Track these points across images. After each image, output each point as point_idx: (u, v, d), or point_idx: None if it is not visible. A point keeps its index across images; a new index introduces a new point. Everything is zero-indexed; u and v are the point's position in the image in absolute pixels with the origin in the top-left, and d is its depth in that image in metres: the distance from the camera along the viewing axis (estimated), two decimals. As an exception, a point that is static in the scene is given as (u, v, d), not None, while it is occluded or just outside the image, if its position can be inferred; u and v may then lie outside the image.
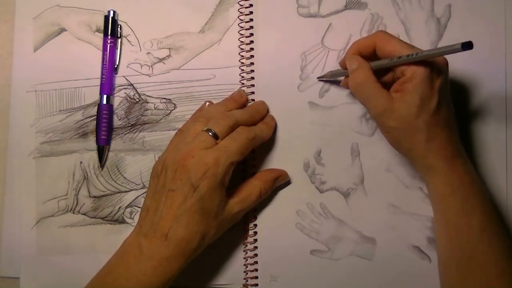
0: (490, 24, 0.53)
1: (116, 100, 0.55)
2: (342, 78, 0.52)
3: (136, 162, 0.55)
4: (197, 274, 0.53)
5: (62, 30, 0.56)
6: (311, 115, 0.54)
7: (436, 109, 0.45)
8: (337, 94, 0.54)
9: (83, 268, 0.54)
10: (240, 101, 0.53)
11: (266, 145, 0.53)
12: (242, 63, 0.54)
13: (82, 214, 0.55)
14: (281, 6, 0.54)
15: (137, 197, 0.55)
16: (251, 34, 0.54)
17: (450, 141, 0.46)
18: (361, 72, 0.47)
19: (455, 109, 0.48)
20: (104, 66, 0.54)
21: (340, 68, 0.52)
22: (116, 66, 0.55)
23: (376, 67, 0.47)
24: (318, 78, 0.53)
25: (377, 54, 0.48)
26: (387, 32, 0.48)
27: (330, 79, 0.53)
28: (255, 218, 0.54)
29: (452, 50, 0.41)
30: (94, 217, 0.55)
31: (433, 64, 0.45)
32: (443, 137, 0.46)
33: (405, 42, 0.46)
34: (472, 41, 0.39)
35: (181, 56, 0.55)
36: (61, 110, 0.56)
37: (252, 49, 0.54)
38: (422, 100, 0.44)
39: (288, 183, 0.54)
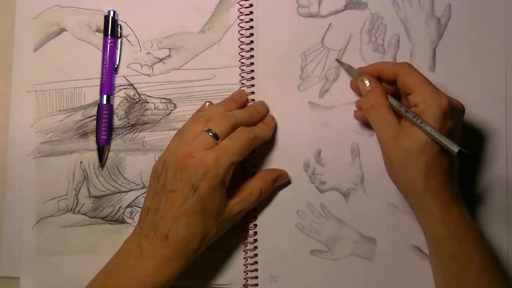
0: (490, 24, 0.53)
1: (116, 100, 0.55)
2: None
3: (136, 162, 0.55)
4: (197, 274, 0.53)
5: (62, 30, 0.56)
6: (311, 115, 0.54)
7: (441, 151, 0.44)
8: (337, 94, 0.54)
9: (83, 268, 0.54)
10: (240, 101, 0.53)
11: (266, 145, 0.53)
12: (242, 63, 0.54)
13: (82, 214, 0.55)
14: (281, 6, 0.54)
15: (137, 197, 0.55)
16: (251, 34, 0.54)
17: (449, 184, 0.46)
18: (375, 95, 0.48)
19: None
20: (104, 66, 0.54)
21: (356, 70, 0.52)
22: (116, 66, 0.55)
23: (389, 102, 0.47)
24: (336, 59, 0.53)
25: (397, 83, 0.48)
26: (412, 66, 0.47)
27: (345, 69, 0.53)
28: (255, 218, 0.54)
29: (450, 149, 0.43)
30: (94, 217, 0.55)
31: (449, 104, 0.45)
32: (442, 178, 0.45)
33: (427, 80, 0.46)
34: (467, 152, 0.43)
35: (181, 56, 0.55)
36: (61, 110, 0.56)
37: (252, 49, 0.54)
38: (429, 138, 0.44)
39: (288, 183, 0.54)
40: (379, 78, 0.49)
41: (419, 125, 0.44)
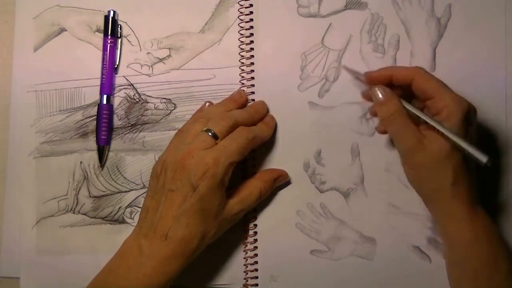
0: (490, 24, 0.53)
1: (116, 100, 0.55)
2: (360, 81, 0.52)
3: (136, 162, 0.55)
4: (197, 274, 0.53)
5: (62, 30, 0.56)
6: (311, 115, 0.54)
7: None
8: (337, 94, 0.54)
9: (83, 268, 0.54)
10: (240, 101, 0.53)
11: (266, 145, 0.53)
12: (242, 63, 0.54)
13: (82, 214, 0.55)
14: (281, 6, 0.54)
15: (137, 197, 0.55)
16: (251, 34, 0.54)
17: (473, 187, 0.45)
18: (392, 104, 0.46)
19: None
20: (104, 66, 0.54)
21: (364, 78, 0.50)
22: (116, 66, 0.55)
23: (407, 109, 0.46)
24: (344, 66, 0.53)
25: (412, 88, 0.47)
26: (427, 71, 0.47)
27: (352, 75, 0.53)
28: (255, 218, 0.54)
29: (476, 158, 0.42)
30: (94, 217, 0.55)
31: (468, 108, 0.44)
32: (468, 182, 0.45)
33: (445, 85, 0.46)
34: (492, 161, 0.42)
35: (181, 56, 0.55)
36: (61, 110, 0.56)
37: (252, 49, 0.54)
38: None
39: (288, 183, 0.54)
40: (389, 83, 0.48)
41: (445, 132, 0.43)
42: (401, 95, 0.48)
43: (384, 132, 0.52)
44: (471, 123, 0.45)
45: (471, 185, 0.45)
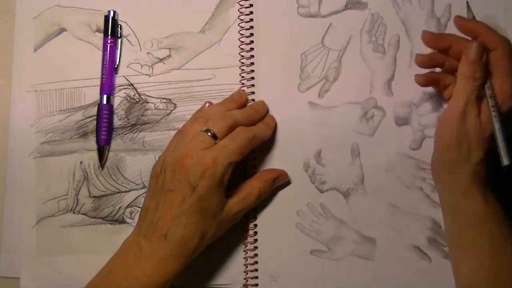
0: (490, 24, 0.53)
1: (116, 100, 0.55)
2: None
3: (136, 162, 0.55)
4: (197, 274, 0.53)
5: (62, 30, 0.56)
6: (311, 115, 0.54)
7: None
8: (337, 94, 0.54)
9: (83, 268, 0.54)
10: (240, 101, 0.53)
11: (266, 145, 0.53)
12: (242, 63, 0.54)
13: (82, 214, 0.55)
14: (281, 6, 0.54)
15: (137, 197, 0.55)
16: (251, 34, 0.54)
17: (488, 168, 0.47)
18: (482, 69, 0.47)
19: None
20: (104, 66, 0.54)
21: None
22: (116, 66, 0.55)
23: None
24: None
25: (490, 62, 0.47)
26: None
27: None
28: (255, 218, 0.54)
29: (500, 157, 0.45)
30: (94, 217, 0.55)
31: None
32: (485, 161, 0.47)
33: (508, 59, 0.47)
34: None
35: (181, 56, 0.55)
36: (61, 110, 0.56)
37: (252, 49, 0.54)
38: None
39: (288, 183, 0.54)
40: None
41: (491, 117, 0.45)
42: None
43: (423, 83, 0.50)
44: None
45: (487, 166, 0.47)
